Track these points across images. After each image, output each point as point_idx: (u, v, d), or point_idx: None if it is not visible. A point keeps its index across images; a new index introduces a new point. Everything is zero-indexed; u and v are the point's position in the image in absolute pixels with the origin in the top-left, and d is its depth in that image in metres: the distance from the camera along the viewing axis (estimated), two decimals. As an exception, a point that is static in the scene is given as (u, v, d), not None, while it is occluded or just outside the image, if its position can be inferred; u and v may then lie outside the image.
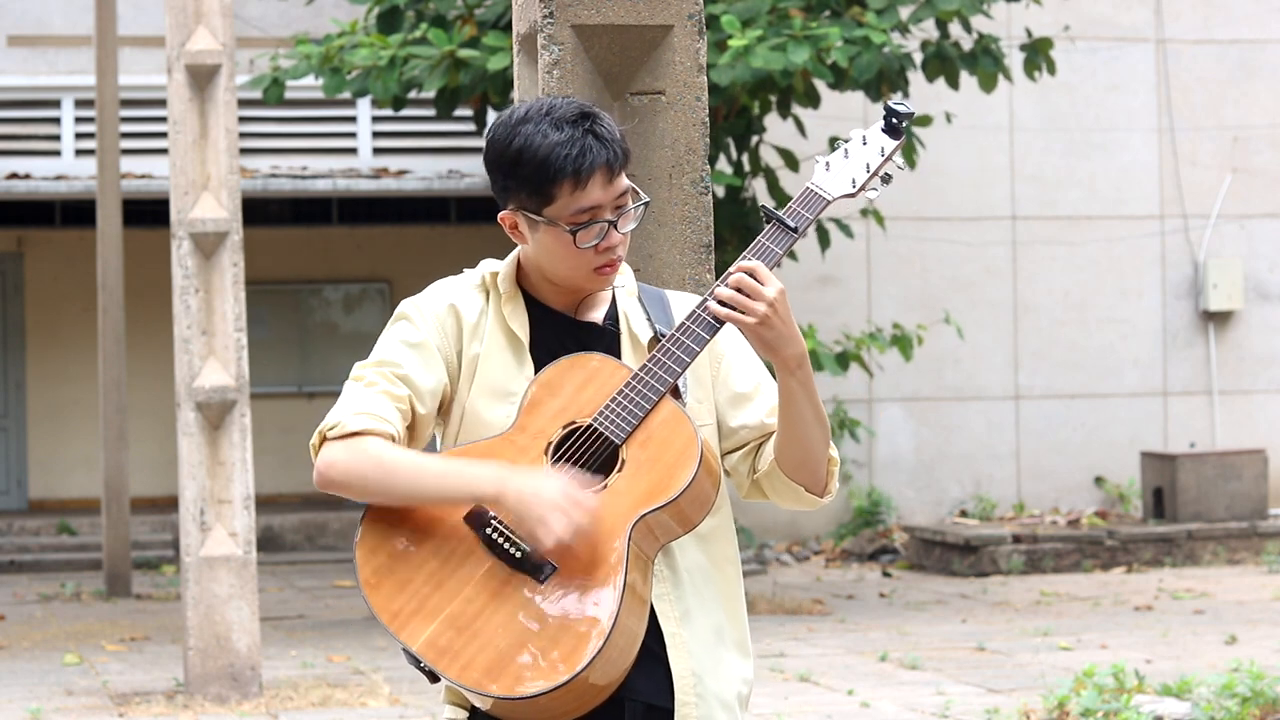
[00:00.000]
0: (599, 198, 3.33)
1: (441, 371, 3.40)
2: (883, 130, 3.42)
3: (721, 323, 3.31)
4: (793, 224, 3.35)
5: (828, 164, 3.42)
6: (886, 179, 3.43)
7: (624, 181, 3.36)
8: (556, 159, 3.30)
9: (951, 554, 15.93)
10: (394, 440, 3.31)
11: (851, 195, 3.41)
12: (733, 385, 3.47)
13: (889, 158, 3.42)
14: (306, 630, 13.00)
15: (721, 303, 3.30)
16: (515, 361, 3.41)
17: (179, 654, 11.24)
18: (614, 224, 3.35)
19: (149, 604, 14.58)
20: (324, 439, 3.34)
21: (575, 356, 3.36)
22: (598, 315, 3.46)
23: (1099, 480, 18.10)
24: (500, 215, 3.44)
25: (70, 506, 18.90)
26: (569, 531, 3.20)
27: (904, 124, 3.42)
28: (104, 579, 15.19)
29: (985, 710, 9.18)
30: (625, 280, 3.51)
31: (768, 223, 3.38)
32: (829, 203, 3.39)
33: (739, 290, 3.29)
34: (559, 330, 3.43)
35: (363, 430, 3.30)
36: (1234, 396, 18.37)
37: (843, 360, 13.98)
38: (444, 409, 3.44)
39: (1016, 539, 15.88)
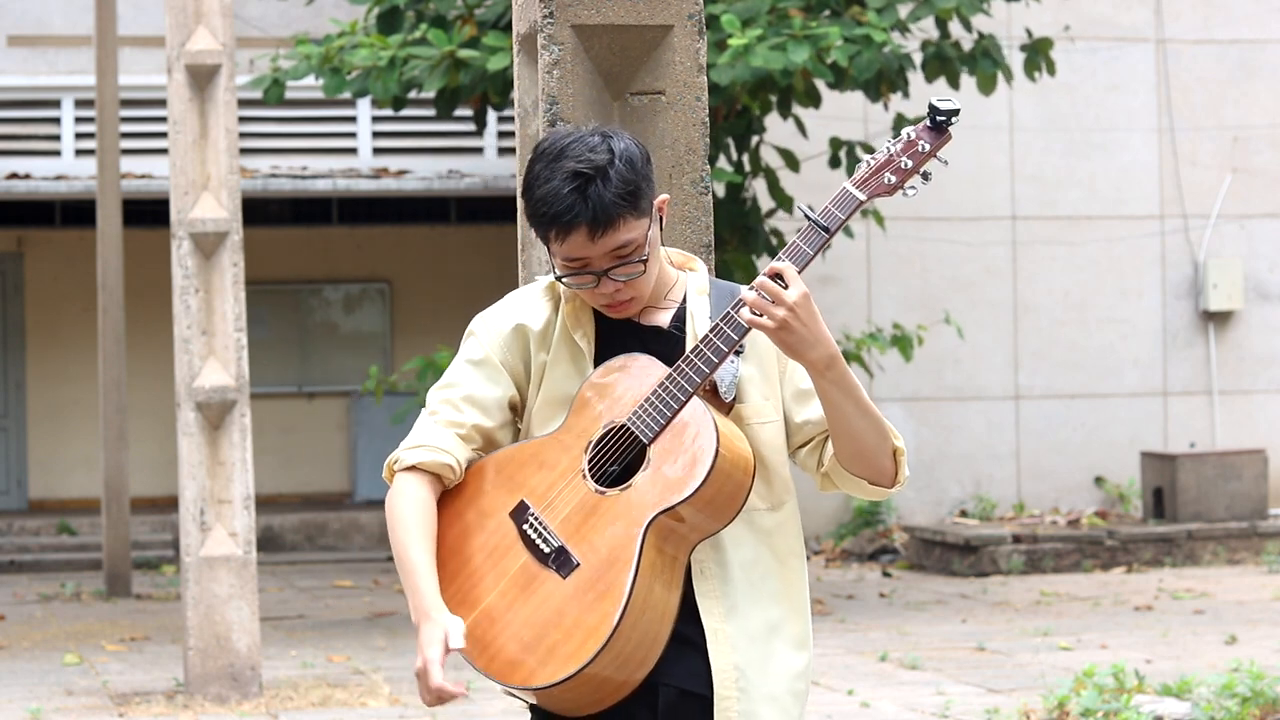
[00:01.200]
0: (583, 251, 3.40)
1: (507, 383, 3.52)
2: (928, 128, 3.43)
3: (747, 326, 3.35)
4: (825, 224, 3.38)
5: (869, 163, 3.43)
6: (926, 176, 3.43)
7: (620, 237, 3.40)
8: (539, 209, 3.41)
9: (951, 554, 15.93)
10: (453, 470, 3.47)
11: (889, 192, 3.42)
12: (797, 382, 3.53)
13: (930, 155, 3.42)
14: (306, 630, 13.00)
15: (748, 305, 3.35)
16: (577, 371, 3.50)
17: (179, 654, 11.24)
18: (605, 274, 3.41)
19: (149, 604, 14.58)
20: (393, 472, 3.52)
21: (623, 358, 3.45)
22: (664, 319, 3.53)
23: (1099, 480, 18.10)
24: None
25: (70, 506, 18.90)
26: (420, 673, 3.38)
27: (949, 120, 3.42)
28: (104, 579, 15.19)
29: (985, 710, 9.18)
30: (698, 280, 3.57)
31: (805, 223, 3.42)
32: (863, 202, 3.40)
33: (762, 294, 3.32)
34: (624, 335, 3.50)
35: (418, 464, 3.46)
36: (1234, 396, 18.37)
37: (843, 360, 13.97)
38: (519, 413, 3.56)
39: (1016, 539, 15.88)
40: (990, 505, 17.76)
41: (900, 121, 14.02)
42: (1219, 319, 18.34)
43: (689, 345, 3.48)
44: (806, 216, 3.39)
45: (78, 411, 18.94)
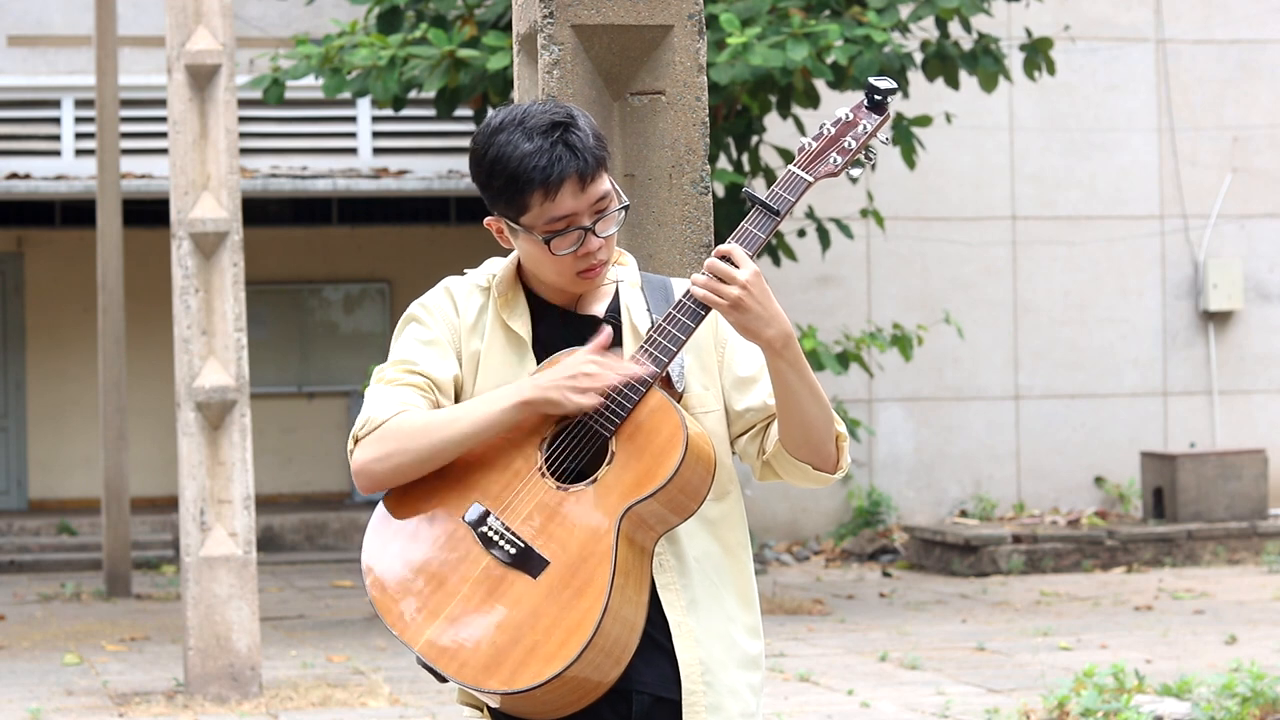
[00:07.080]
0: (572, 206, 3.35)
1: (455, 364, 3.45)
2: (866, 108, 3.42)
3: (705, 310, 3.32)
4: (775, 207, 3.36)
5: (810, 145, 3.41)
6: (869, 156, 3.42)
7: (601, 186, 3.37)
8: (525, 170, 3.33)
9: (951, 554, 15.93)
10: None
11: (834, 174, 3.40)
12: (736, 370, 3.49)
13: (871, 134, 3.40)
14: (306, 630, 13.00)
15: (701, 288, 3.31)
16: (517, 359, 3.45)
17: (179, 654, 11.24)
18: (591, 229, 3.37)
19: (149, 604, 14.58)
20: (358, 441, 3.39)
21: (569, 351, 3.38)
22: (599, 309, 3.48)
23: (1099, 480, 18.10)
24: (486, 221, 3.49)
25: (70, 506, 18.90)
26: (597, 390, 3.28)
27: (886, 99, 3.41)
28: (104, 579, 15.19)
29: (985, 710, 9.18)
30: (628, 273, 3.53)
31: (751, 207, 3.39)
32: (811, 184, 3.38)
33: (713, 275, 3.30)
34: (560, 325, 3.46)
35: (393, 416, 3.36)
36: (1234, 396, 18.37)
37: (843, 360, 13.98)
38: (459, 400, 3.48)
39: (1016, 539, 15.88)
40: (990, 505, 17.76)
41: (899, 120, 14.03)
42: (1219, 319, 18.34)
43: (626, 334, 3.44)
44: (755, 200, 3.36)
45: (78, 411, 18.94)
